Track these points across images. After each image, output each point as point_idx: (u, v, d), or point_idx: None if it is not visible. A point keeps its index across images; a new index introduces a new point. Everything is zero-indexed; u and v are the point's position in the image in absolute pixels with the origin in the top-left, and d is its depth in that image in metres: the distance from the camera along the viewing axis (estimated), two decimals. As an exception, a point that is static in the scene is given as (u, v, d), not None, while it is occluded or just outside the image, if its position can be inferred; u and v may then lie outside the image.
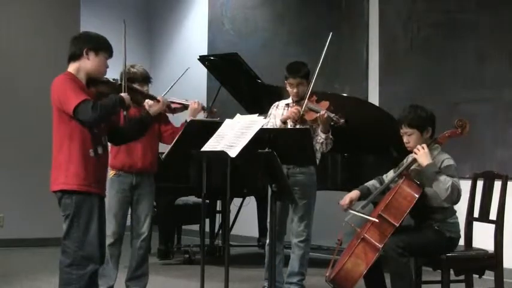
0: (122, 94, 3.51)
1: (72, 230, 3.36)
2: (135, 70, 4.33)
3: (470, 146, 5.70)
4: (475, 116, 5.66)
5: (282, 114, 4.64)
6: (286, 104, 4.71)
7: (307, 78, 4.59)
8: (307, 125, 4.49)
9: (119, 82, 3.61)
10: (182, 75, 4.15)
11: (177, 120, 4.49)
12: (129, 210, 4.43)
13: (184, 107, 4.38)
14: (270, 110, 4.77)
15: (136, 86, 4.15)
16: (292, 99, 4.66)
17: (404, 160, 4.01)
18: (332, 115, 4.36)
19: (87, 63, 3.44)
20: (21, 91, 7.22)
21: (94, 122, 3.34)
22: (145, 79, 4.39)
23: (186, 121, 4.30)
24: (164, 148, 4.59)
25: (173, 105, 4.29)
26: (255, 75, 5.99)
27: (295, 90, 4.58)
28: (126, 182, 4.31)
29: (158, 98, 3.87)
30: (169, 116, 4.51)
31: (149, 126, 3.83)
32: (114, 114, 3.62)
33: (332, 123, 4.39)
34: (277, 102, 4.79)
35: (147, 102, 3.83)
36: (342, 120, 4.34)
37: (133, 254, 4.40)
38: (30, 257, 6.62)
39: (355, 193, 4.01)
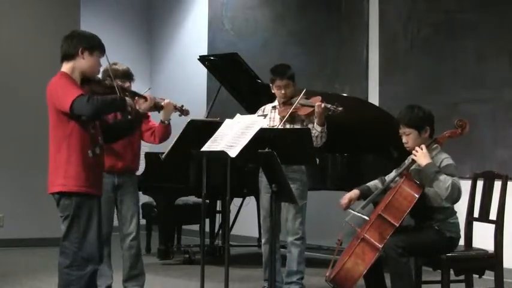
0: (126, 98, 3.56)
1: (72, 230, 3.35)
2: (116, 67, 4.34)
3: (470, 146, 5.70)
4: (475, 116, 5.65)
5: (270, 118, 4.65)
6: (272, 107, 4.73)
7: (293, 80, 4.61)
8: (299, 122, 4.50)
9: (111, 82, 3.65)
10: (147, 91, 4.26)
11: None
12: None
13: (160, 107, 4.39)
14: (257, 113, 4.77)
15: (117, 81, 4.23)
16: (279, 101, 4.66)
17: (406, 161, 4.01)
18: (329, 105, 4.38)
19: (82, 63, 3.43)
20: (21, 91, 7.22)
21: (91, 115, 3.32)
22: (127, 76, 4.39)
23: (161, 121, 4.37)
24: (164, 148, 4.61)
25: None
26: (254, 75, 5.99)
27: (283, 92, 4.60)
28: (107, 183, 4.27)
29: (145, 96, 3.95)
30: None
31: (139, 124, 3.85)
32: (112, 110, 3.67)
33: (330, 113, 4.40)
34: (263, 106, 4.80)
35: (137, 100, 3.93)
36: (340, 108, 4.36)
37: (124, 255, 4.38)
38: (30, 257, 6.62)
39: (354, 193, 4.02)
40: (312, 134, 4.41)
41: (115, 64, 4.35)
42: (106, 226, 4.30)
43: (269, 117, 4.68)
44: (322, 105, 4.37)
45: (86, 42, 3.44)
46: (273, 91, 4.69)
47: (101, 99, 3.34)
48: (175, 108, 4.40)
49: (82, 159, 3.35)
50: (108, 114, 3.69)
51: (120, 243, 4.41)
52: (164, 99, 4.32)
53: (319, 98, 4.48)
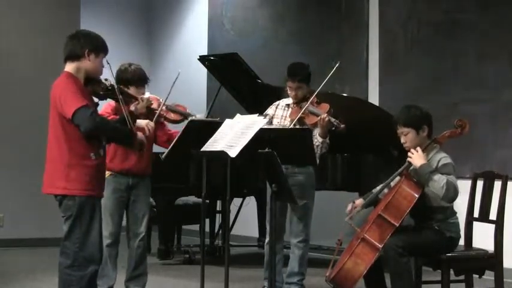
0: (140, 135, 3.60)
1: (75, 231, 3.35)
2: (133, 69, 4.34)
3: (470, 146, 5.70)
4: (475, 116, 5.65)
5: (282, 116, 4.65)
6: (286, 105, 4.71)
7: (306, 82, 4.59)
8: (308, 126, 4.50)
9: (110, 83, 3.65)
10: (176, 80, 4.22)
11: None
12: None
13: (185, 117, 4.40)
14: (269, 109, 4.76)
15: (132, 88, 4.22)
16: (292, 101, 4.66)
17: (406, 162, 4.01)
18: (333, 120, 4.36)
19: (87, 64, 3.43)
20: (21, 91, 7.22)
21: (88, 131, 3.29)
22: (142, 81, 4.37)
23: None
24: (164, 148, 4.61)
25: (173, 115, 4.37)
26: (254, 75, 6.00)
27: (293, 93, 4.59)
28: (122, 183, 4.29)
29: (141, 97, 3.99)
30: None
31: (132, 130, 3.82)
32: (114, 138, 3.63)
33: (332, 128, 4.40)
34: (277, 102, 4.79)
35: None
36: (343, 126, 4.36)
37: (131, 254, 4.39)
38: (30, 257, 6.62)
39: (360, 201, 4.02)
40: (313, 143, 4.41)
41: (130, 66, 4.35)
42: (116, 226, 4.31)
43: (282, 115, 4.67)
44: (326, 118, 4.36)
45: (92, 43, 3.44)
46: (286, 88, 4.67)
47: (107, 122, 3.34)
48: None
49: (84, 161, 3.34)
50: (107, 138, 3.58)
51: (128, 242, 4.41)
52: (195, 115, 4.41)
53: (327, 106, 4.46)
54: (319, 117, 4.39)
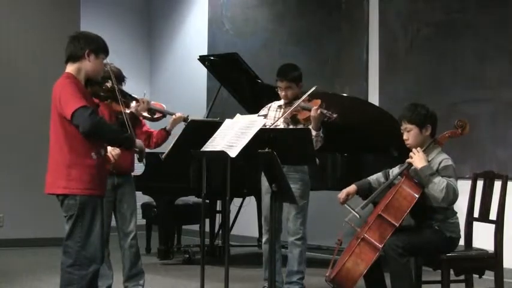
0: (138, 141, 3.60)
1: (76, 230, 3.36)
2: (107, 69, 4.35)
3: (470, 146, 5.70)
4: (475, 116, 5.65)
5: (275, 117, 4.65)
6: (278, 106, 4.72)
7: (296, 82, 4.59)
8: (300, 125, 4.51)
9: (111, 84, 3.67)
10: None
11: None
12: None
13: (164, 116, 4.48)
14: (262, 110, 4.77)
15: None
16: (283, 101, 4.67)
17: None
18: (325, 111, 4.37)
19: (87, 65, 3.43)
20: (21, 91, 7.23)
21: (87, 130, 3.27)
22: (120, 80, 4.38)
23: (166, 130, 4.51)
24: (164, 148, 4.61)
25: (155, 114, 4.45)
26: (254, 75, 6.00)
27: (283, 93, 4.60)
28: (107, 183, 4.28)
29: (141, 99, 4.00)
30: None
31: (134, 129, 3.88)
32: (112, 140, 3.56)
33: (325, 119, 4.40)
34: (270, 104, 4.80)
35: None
36: (335, 115, 4.37)
37: (124, 254, 4.39)
38: (30, 257, 6.62)
39: (352, 188, 4.02)
40: None
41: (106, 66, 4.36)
42: (105, 226, 4.31)
43: (274, 116, 4.67)
44: (318, 110, 4.37)
45: (92, 44, 3.44)
46: (276, 89, 4.68)
47: (106, 124, 3.33)
48: (184, 121, 4.60)
49: (85, 161, 3.35)
50: (105, 141, 3.52)
51: (119, 242, 4.42)
52: (175, 113, 4.50)
53: (319, 101, 4.47)
54: (311, 111, 4.40)
